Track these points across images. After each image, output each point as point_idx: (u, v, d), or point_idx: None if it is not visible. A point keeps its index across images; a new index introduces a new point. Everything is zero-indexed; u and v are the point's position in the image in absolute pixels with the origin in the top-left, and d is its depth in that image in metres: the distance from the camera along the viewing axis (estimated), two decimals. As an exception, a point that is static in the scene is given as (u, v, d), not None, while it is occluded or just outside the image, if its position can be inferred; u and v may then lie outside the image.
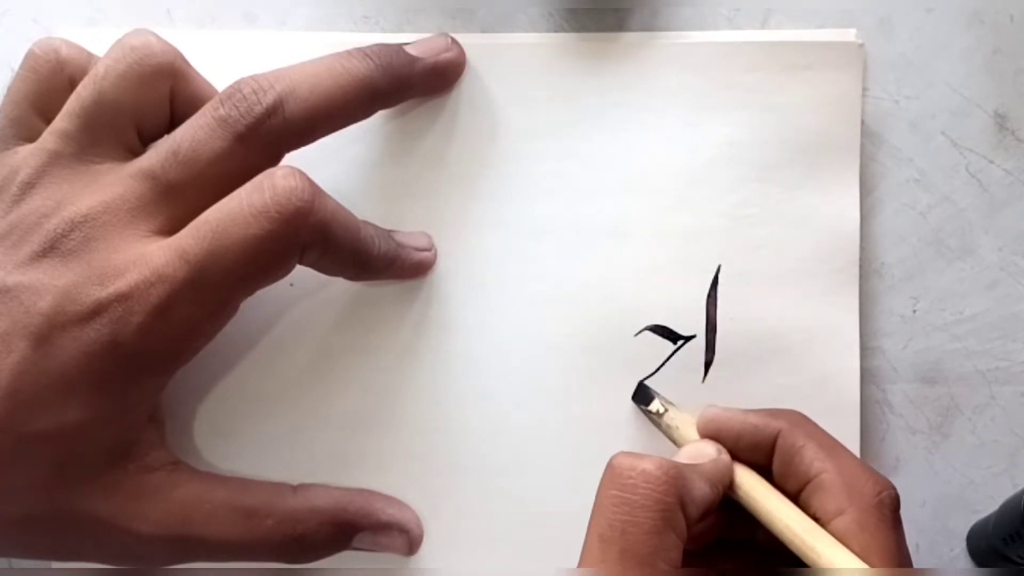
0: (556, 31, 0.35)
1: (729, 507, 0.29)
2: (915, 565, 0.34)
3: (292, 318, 0.33)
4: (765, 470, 0.29)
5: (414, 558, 0.33)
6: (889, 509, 0.27)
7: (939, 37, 0.34)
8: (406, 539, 0.32)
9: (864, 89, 0.34)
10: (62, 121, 0.29)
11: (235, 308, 0.29)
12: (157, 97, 0.29)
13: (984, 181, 0.34)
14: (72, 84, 0.30)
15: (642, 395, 0.33)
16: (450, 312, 0.34)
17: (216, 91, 0.30)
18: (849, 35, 0.34)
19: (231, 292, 0.28)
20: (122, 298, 0.27)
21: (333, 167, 0.33)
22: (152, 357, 0.28)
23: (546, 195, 0.34)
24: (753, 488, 0.28)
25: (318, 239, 0.28)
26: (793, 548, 0.27)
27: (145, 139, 0.30)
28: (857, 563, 0.26)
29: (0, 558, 0.33)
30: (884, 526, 0.26)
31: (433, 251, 0.33)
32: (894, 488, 0.27)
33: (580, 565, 0.26)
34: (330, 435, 0.33)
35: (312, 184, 0.28)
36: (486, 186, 0.34)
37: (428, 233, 0.34)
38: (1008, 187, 0.34)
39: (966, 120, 0.34)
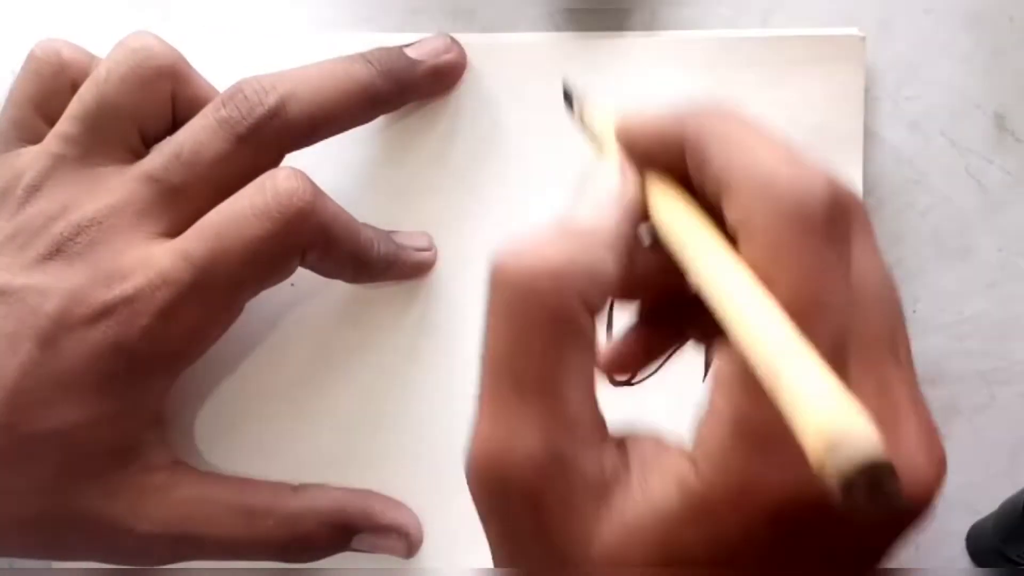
0: (556, 31, 0.34)
1: None
2: (915, 565, 0.34)
3: (293, 318, 0.33)
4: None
5: (414, 558, 0.33)
6: (823, 216, 0.18)
7: (939, 37, 0.34)
8: (405, 542, 0.32)
9: (864, 89, 0.34)
10: (65, 124, 0.29)
11: (239, 309, 0.29)
12: (159, 99, 0.29)
13: (984, 181, 0.34)
14: (74, 86, 0.30)
15: (568, 98, 0.28)
16: (450, 312, 0.33)
17: (217, 92, 0.30)
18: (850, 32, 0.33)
19: (235, 293, 0.28)
20: (128, 301, 0.27)
21: (333, 167, 0.33)
22: (157, 359, 0.28)
23: (546, 195, 0.34)
24: (670, 229, 0.21)
25: (319, 240, 0.28)
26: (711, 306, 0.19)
27: (148, 141, 0.30)
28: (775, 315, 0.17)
29: (1, 558, 0.33)
30: (802, 241, 0.18)
31: (433, 251, 0.33)
32: (833, 185, 0.18)
33: (476, 403, 0.20)
34: (330, 435, 0.33)
35: (313, 185, 0.28)
36: (486, 186, 0.34)
37: (428, 233, 0.34)
38: (1008, 187, 0.34)
39: (966, 120, 0.34)
